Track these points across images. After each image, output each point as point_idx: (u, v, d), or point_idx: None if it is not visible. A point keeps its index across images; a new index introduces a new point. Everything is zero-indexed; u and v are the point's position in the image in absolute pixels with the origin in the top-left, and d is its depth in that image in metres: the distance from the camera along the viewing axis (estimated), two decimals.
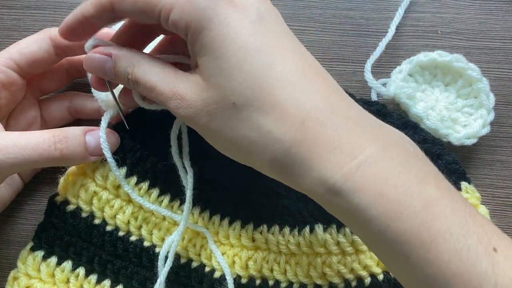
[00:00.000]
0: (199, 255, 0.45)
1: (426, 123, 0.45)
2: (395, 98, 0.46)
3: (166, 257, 0.43)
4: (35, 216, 0.48)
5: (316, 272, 0.43)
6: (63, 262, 0.44)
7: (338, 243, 0.43)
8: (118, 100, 0.42)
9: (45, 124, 0.47)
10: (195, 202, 0.44)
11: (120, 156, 0.43)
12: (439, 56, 0.46)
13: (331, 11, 0.51)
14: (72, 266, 0.44)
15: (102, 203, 0.44)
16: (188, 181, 0.42)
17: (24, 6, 0.51)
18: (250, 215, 0.44)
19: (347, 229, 0.43)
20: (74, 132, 0.41)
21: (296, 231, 0.44)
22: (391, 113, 0.45)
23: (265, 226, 0.44)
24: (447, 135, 0.45)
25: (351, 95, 0.44)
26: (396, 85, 0.46)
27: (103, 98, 0.43)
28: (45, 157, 0.39)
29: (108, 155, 0.41)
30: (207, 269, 0.44)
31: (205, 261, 0.44)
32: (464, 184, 0.44)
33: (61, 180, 0.45)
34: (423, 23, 0.50)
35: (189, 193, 0.42)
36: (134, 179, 0.44)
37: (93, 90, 0.43)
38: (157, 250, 0.44)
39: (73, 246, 0.44)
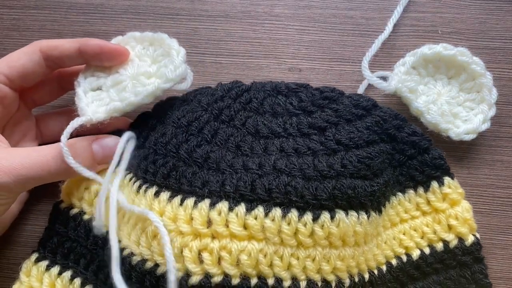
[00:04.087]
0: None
1: (427, 117, 0.45)
2: (397, 92, 0.45)
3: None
4: (35, 216, 0.48)
5: (329, 266, 0.38)
6: (64, 271, 0.42)
7: (355, 233, 0.39)
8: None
9: (42, 137, 0.47)
10: (163, 185, 0.38)
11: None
12: (443, 49, 0.46)
13: (331, 11, 0.51)
14: (71, 276, 0.42)
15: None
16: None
17: (23, 6, 0.51)
18: (241, 194, 0.37)
19: (364, 216, 0.39)
20: (81, 144, 0.41)
21: (308, 218, 0.37)
22: (381, 106, 0.44)
23: (260, 209, 0.37)
24: (447, 130, 0.45)
25: (341, 92, 0.44)
26: (399, 78, 0.45)
27: (83, 106, 0.42)
28: (55, 173, 0.39)
29: (70, 160, 0.39)
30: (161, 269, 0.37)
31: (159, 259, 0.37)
32: (447, 179, 0.44)
33: (64, 186, 0.44)
34: (423, 23, 0.50)
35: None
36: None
37: (76, 98, 0.43)
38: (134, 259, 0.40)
39: (73, 252, 0.43)
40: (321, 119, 0.43)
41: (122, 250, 0.39)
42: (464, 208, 0.44)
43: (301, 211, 0.37)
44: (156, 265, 0.37)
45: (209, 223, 0.36)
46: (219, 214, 0.36)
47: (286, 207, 0.37)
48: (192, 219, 0.36)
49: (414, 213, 0.44)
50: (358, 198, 0.39)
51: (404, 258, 0.44)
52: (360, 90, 0.48)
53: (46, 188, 0.48)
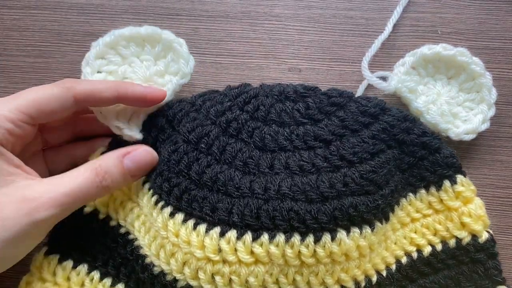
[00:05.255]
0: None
1: (426, 117, 0.45)
2: (397, 92, 0.46)
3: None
4: None
5: (332, 279, 0.41)
6: (79, 265, 0.44)
7: (358, 247, 0.40)
8: None
9: (47, 144, 0.46)
10: (177, 207, 0.41)
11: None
12: (443, 49, 0.46)
13: (331, 11, 0.51)
14: (88, 269, 0.44)
15: (117, 205, 0.44)
16: None
17: (24, 6, 0.51)
18: (247, 224, 0.40)
19: (367, 230, 0.41)
20: (113, 163, 0.40)
21: (310, 240, 0.39)
22: (390, 108, 0.44)
23: (265, 236, 0.39)
24: (446, 130, 0.45)
25: (350, 96, 0.44)
26: (398, 78, 0.45)
27: (127, 133, 0.43)
28: (94, 197, 0.40)
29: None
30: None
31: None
32: (459, 177, 0.44)
33: None
34: (423, 23, 0.50)
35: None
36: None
37: (117, 128, 0.43)
38: (147, 260, 0.42)
39: (89, 248, 0.44)
40: (327, 129, 0.43)
41: (144, 257, 0.42)
42: (477, 205, 0.43)
43: (303, 235, 0.39)
44: (176, 279, 0.41)
45: (219, 249, 0.39)
46: (228, 243, 0.39)
47: (289, 232, 0.39)
48: (204, 246, 0.39)
49: (426, 211, 0.44)
50: (360, 215, 0.40)
51: (415, 256, 0.44)
52: (360, 90, 0.48)
53: None
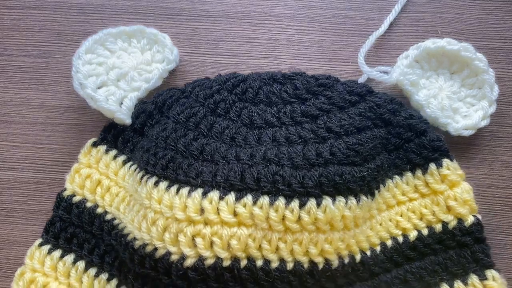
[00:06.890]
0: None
1: (426, 111, 0.45)
2: (398, 84, 0.46)
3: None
4: (35, 216, 0.48)
5: (316, 249, 0.40)
6: (66, 255, 0.44)
7: (343, 218, 0.40)
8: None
9: None
10: (162, 176, 0.41)
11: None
12: (447, 44, 0.46)
13: (331, 11, 0.51)
14: (74, 260, 0.44)
15: (104, 191, 0.45)
16: None
17: (24, 6, 0.51)
18: (230, 184, 0.39)
19: (353, 201, 0.40)
20: None
21: (295, 204, 0.39)
22: (375, 92, 0.45)
23: (249, 197, 0.39)
24: (446, 125, 0.45)
25: (337, 79, 0.45)
26: (400, 70, 0.45)
27: (112, 108, 0.45)
28: None
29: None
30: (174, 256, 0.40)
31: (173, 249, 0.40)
32: (445, 161, 0.44)
33: (68, 176, 0.46)
34: (423, 23, 0.50)
35: None
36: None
37: (92, 100, 0.44)
38: (129, 237, 0.42)
39: (76, 237, 0.45)
40: (314, 106, 0.44)
41: (127, 235, 0.42)
42: (464, 190, 0.43)
43: (288, 199, 0.39)
44: (155, 249, 0.40)
45: (201, 211, 0.39)
46: (210, 202, 0.39)
47: (274, 195, 0.39)
48: (186, 207, 0.39)
49: (412, 195, 0.45)
50: (346, 184, 0.40)
51: (400, 239, 0.44)
52: None
53: (46, 189, 0.48)
